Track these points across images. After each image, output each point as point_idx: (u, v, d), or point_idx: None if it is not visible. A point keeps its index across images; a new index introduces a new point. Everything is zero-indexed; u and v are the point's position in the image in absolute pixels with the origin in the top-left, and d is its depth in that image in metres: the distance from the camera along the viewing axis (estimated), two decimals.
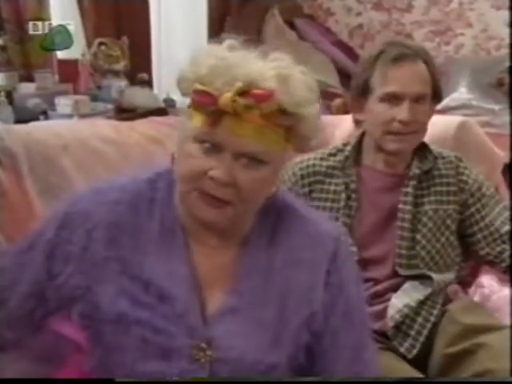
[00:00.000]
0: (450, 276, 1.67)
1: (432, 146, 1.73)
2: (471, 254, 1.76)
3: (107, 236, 1.07)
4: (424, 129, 1.66)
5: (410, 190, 1.66)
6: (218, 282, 1.08)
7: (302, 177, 1.70)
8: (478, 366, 1.45)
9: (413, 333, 1.57)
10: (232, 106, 0.97)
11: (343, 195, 1.67)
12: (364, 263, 1.62)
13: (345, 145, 1.75)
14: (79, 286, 1.06)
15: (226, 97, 0.97)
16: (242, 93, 0.97)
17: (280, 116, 1.00)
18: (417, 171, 1.67)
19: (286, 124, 1.02)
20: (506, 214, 1.73)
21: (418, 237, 1.64)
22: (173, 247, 1.07)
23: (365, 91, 1.65)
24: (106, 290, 1.05)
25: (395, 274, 1.64)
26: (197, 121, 1.01)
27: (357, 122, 1.71)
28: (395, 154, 1.66)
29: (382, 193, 1.68)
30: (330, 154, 1.73)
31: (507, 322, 1.58)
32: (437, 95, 1.67)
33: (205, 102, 0.98)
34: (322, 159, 1.71)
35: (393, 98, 1.61)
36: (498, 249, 1.70)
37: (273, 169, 1.04)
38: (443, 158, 1.72)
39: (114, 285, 1.05)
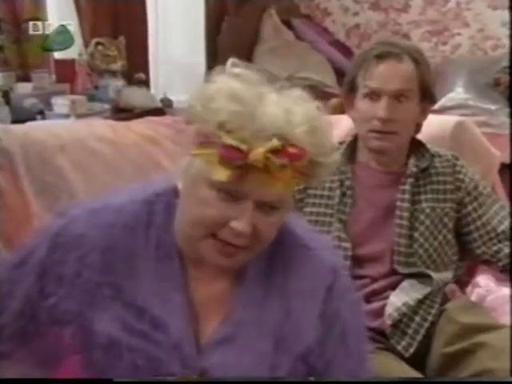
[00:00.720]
0: (447, 275, 1.67)
1: (429, 145, 1.73)
2: (468, 253, 1.76)
3: (101, 261, 1.03)
4: (407, 128, 1.65)
5: (407, 187, 1.66)
6: (214, 310, 1.05)
7: None
8: (477, 365, 1.45)
9: (410, 331, 1.57)
10: (264, 162, 0.92)
11: (338, 192, 1.67)
12: (359, 260, 1.63)
13: (341, 143, 1.75)
14: (70, 310, 1.04)
15: (258, 153, 0.92)
16: (275, 150, 0.92)
17: (308, 167, 0.98)
18: (414, 169, 1.67)
19: (305, 172, 0.99)
20: (503, 213, 1.73)
21: (416, 234, 1.64)
22: (169, 273, 1.05)
23: (352, 88, 1.66)
24: (99, 316, 1.03)
25: (393, 272, 1.64)
26: (222, 174, 0.94)
27: (354, 121, 1.72)
28: (380, 152, 1.66)
29: (377, 190, 1.68)
30: None
31: (504, 321, 1.58)
32: (427, 96, 1.66)
33: (234, 158, 0.92)
34: None
35: (373, 95, 1.61)
36: (495, 248, 1.70)
37: (288, 209, 1.03)
38: (440, 156, 1.72)
39: (106, 311, 1.03)
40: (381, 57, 1.61)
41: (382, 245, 1.64)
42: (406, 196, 1.65)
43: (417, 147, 1.71)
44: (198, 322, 1.04)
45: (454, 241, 1.71)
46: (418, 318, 1.58)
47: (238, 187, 0.95)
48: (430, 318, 1.58)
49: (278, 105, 0.96)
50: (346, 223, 1.65)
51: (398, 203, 1.65)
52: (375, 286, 1.62)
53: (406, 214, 1.64)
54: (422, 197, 1.67)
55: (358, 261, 1.62)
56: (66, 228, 1.06)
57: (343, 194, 1.67)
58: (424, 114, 1.68)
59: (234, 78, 0.98)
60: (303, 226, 1.18)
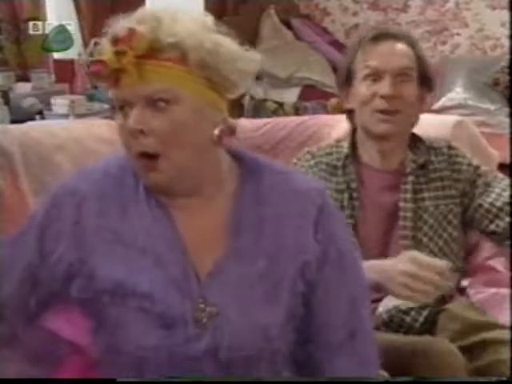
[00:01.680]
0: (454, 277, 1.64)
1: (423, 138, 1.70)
2: (480, 234, 1.70)
3: (97, 207, 1.08)
4: (410, 109, 1.62)
5: (408, 186, 1.63)
6: (208, 244, 1.08)
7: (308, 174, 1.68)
8: (482, 361, 1.45)
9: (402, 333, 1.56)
10: (111, 59, 1.00)
11: (345, 195, 1.64)
12: None
13: (338, 141, 1.72)
14: (73, 262, 1.07)
15: (107, 54, 1.01)
16: (115, 44, 1.01)
17: (159, 52, 1.01)
18: (413, 165, 1.64)
19: (172, 57, 1.02)
20: (505, 186, 1.65)
21: (419, 235, 1.61)
22: (160, 214, 1.08)
23: (349, 77, 1.64)
24: (101, 260, 1.06)
25: None
26: (104, 87, 1.05)
27: (350, 118, 1.70)
28: (384, 138, 1.62)
29: (381, 192, 1.65)
30: (327, 153, 1.71)
31: (502, 321, 1.58)
32: (426, 80, 1.64)
33: (98, 70, 1.01)
34: (321, 156, 1.69)
35: (374, 75, 1.59)
36: (502, 224, 1.62)
37: (191, 108, 1.03)
38: (435, 148, 1.68)
39: (108, 254, 1.06)
40: (378, 38, 1.61)
41: (387, 248, 1.61)
42: (409, 195, 1.62)
43: (413, 142, 1.69)
44: (194, 256, 1.07)
45: (461, 237, 1.67)
46: (408, 319, 1.57)
47: (122, 96, 1.03)
48: (420, 319, 1.55)
49: None
50: (356, 227, 1.62)
51: (401, 204, 1.62)
52: (377, 295, 1.60)
53: (409, 215, 1.61)
54: (425, 194, 1.64)
55: None
56: (60, 187, 1.12)
57: (351, 197, 1.64)
58: (423, 101, 1.65)
59: None
60: (272, 161, 1.22)
